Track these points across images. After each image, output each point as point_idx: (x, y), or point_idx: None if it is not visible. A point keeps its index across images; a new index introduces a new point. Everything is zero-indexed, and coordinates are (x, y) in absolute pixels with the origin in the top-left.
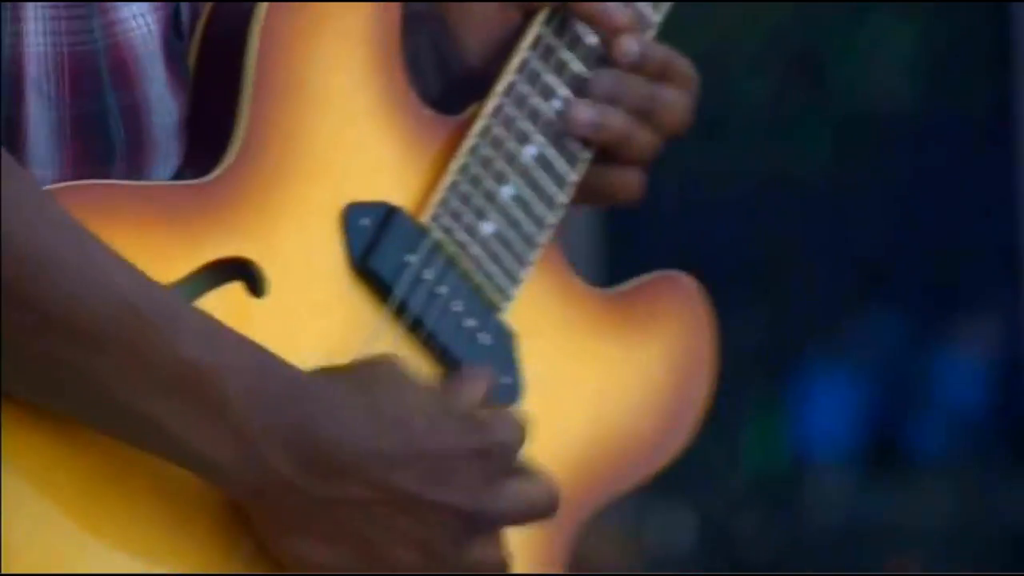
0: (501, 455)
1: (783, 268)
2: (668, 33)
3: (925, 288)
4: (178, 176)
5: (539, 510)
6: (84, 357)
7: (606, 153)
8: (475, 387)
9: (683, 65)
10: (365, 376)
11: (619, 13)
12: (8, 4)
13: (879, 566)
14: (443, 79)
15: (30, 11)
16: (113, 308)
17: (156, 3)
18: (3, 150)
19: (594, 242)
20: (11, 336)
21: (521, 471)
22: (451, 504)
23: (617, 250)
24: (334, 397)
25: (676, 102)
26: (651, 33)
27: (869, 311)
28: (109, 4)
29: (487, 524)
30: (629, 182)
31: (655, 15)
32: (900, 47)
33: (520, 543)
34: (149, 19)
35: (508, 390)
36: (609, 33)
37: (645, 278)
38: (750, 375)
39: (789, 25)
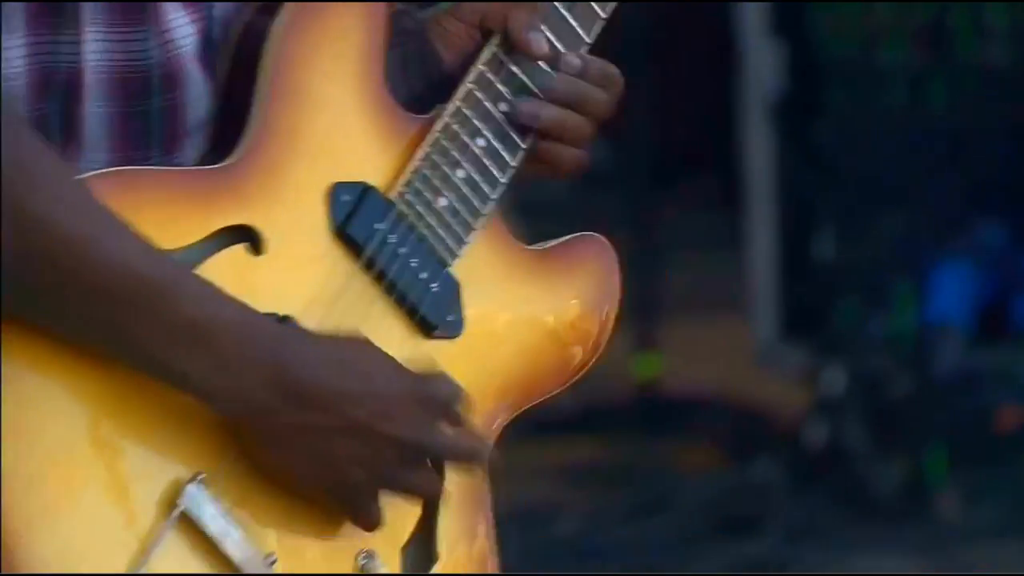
0: (439, 405)
1: (918, 186)
2: (827, 16)
3: (1023, 200)
4: (203, 159)
5: (465, 453)
6: (110, 313)
7: (552, 137)
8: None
9: (612, 71)
10: (340, 337)
11: (539, 45)
12: (69, 27)
13: (987, 408)
14: (425, 81)
15: (87, 33)
16: (130, 277)
17: (196, 22)
18: (52, 155)
19: (775, 168)
20: (57, 296)
21: (457, 421)
22: (394, 436)
23: (794, 176)
24: (308, 346)
25: (601, 99)
26: (586, 48)
27: (981, 216)
28: (165, 25)
29: (422, 456)
30: (571, 156)
31: (588, 36)
32: (1003, 19)
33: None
34: (195, 36)
35: (452, 326)
36: (532, 60)
37: (567, 238)
38: (892, 263)
39: (918, 3)
